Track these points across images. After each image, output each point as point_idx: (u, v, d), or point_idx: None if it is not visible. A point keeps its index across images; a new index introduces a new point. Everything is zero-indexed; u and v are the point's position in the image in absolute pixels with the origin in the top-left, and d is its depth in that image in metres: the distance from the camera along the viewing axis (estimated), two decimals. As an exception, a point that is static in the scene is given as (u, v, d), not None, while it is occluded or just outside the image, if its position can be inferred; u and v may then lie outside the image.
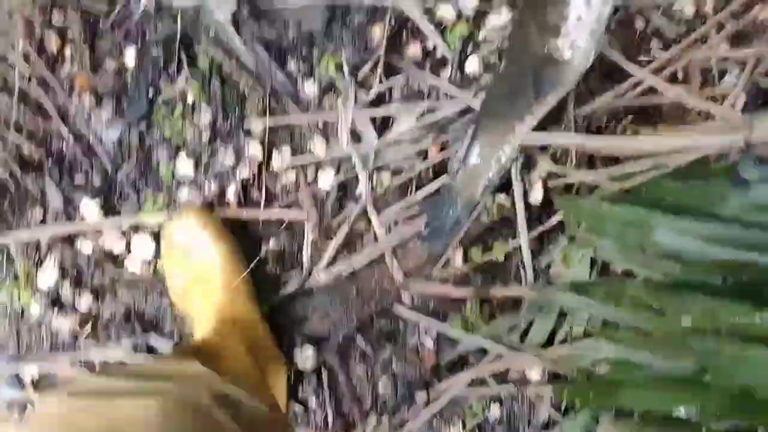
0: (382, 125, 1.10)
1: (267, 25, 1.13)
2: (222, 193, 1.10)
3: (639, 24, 1.12)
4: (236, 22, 1.11)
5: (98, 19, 1.14)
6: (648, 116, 1.08)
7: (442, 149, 1.08)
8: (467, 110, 1.07)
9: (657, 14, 1.12)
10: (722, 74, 1.09)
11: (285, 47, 1.13)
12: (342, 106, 1.08)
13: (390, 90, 1.11)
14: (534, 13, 0.68)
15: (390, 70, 1.11)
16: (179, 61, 1.11)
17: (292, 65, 1.13)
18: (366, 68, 1.11)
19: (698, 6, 1.11)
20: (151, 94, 1.11)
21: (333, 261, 1.05)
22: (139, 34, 1.13)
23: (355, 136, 1.09)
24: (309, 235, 1.05)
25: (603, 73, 1.06)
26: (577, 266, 1.03)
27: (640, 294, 0.92)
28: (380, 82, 1.10)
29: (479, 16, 1.10)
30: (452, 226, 1.02)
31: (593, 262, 1.03)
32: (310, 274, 1.05)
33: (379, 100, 1.11)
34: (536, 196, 1.07)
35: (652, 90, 1.06)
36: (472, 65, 1.10)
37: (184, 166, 1.10)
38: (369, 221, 1.08)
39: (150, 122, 1.12)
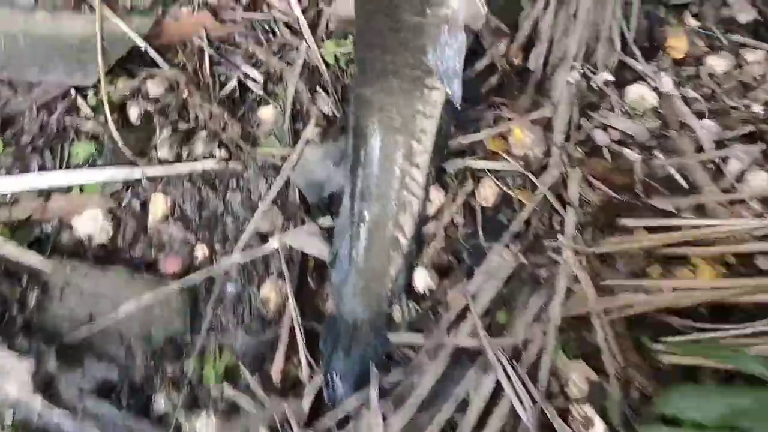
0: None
1: (95, 362, 0.69)
2: None
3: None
4: (43, 384, 0.66)
5: None
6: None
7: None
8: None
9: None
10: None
11: (139, 380, 0.69)
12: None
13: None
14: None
15: (312, 347, 0.71)
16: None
17: (161, 403, 0.69)
18: (278, 363, 0.70)
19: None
20: None
21: None
22: None
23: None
24: None
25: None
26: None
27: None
28: (308, 371, 0.70)
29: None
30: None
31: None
32: None
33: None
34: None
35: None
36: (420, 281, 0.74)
37: None
38: None
39: None
